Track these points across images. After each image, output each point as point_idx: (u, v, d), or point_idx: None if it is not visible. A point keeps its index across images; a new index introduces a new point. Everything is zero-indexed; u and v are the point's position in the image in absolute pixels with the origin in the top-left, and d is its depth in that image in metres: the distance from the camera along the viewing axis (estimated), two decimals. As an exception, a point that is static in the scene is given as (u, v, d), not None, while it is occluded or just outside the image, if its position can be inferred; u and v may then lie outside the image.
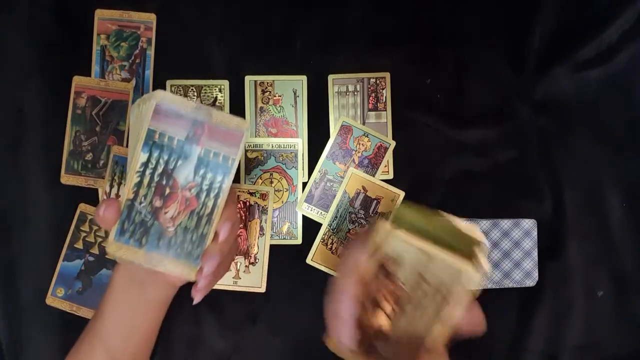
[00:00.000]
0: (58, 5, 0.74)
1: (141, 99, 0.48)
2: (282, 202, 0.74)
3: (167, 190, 0.48)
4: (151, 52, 0.74)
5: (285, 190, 0.74)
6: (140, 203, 0.47)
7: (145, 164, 0.47)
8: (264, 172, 0.74)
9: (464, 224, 0.49)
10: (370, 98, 0.75)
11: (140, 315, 0.59)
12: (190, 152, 0.47)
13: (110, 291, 0.59)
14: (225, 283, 0.73)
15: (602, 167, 0.75)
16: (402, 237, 0.48)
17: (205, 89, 0.74)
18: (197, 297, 0.52)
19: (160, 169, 0.47)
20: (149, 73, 0.74)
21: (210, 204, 0.48)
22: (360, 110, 0.75)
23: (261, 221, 0.74)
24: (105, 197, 0.72)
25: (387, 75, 0.75)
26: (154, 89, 0.74)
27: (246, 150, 0.74)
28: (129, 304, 0.58)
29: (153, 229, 0.48)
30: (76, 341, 0.60)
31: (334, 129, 0.75)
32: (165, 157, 0.47)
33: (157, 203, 0.48)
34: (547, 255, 0.74)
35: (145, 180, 0.47)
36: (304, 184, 0.74)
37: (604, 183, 0.75)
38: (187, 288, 0.72)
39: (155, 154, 0.47)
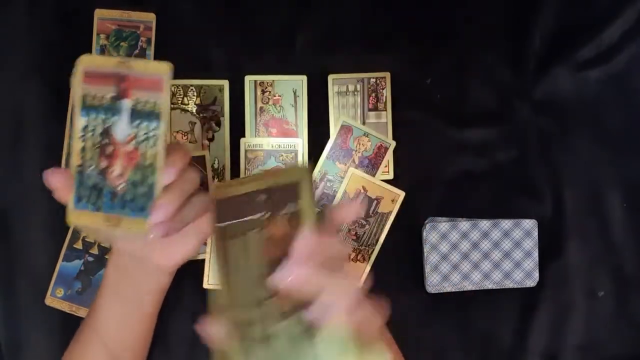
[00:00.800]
0: (58, 5, 0.74)
1: (74, 68, 0.49)
2: (282, 202, 0.74)
3: (109, 149, 0.48)
4: (151, 52, 0.74)
5: (285, 190, 0.74)
6: (89, 167, 0.48)
7: (85, 128, 0.48)
8: (264, 172, 0.74)
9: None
10: (371, 98, 0.75)
11: (134, 307, 0.59)
12: (121, 107, 0.48)
13: (103, 285, 0.59)
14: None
15: (603, 167, 0.75)
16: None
17: (205, 89, 0.74)
18: (153, 236, 0.50)
19: (99, 130, 0.48)
20: (149, 73, 0.74)
21: (150, 152, 0.48)
22: (360, 110, 0.75)
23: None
24: None
25: (387, 75, 0.75)
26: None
27: (246, 150, 0.74)
28: (123, 297, 0.58)
29: (105, 190, 0.49)
30: (73, 337, 0.61)
31: (334, 129, 0.75)
32: (102, 117, 0.48)
33: (103, 164, 0.48)
34: (548, 256, 0.74)
35: (89, 144, 0.48)
36: (304, 184, 0.74)
37: (604, 183, 0.75)
38: (186, 287, 0.72)
39: (92, 116, 0.48)
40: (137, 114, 0.48)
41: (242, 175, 0.74)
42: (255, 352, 0.47)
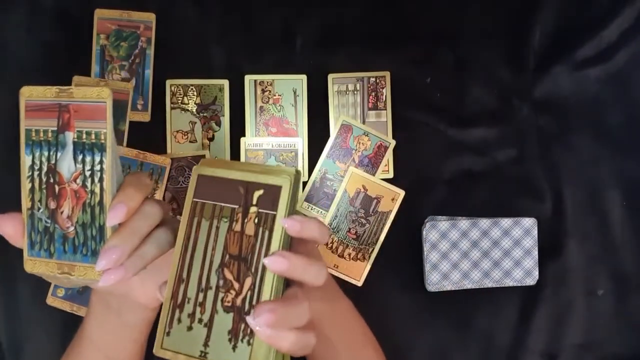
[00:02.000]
0: (58, 5, 0.74)
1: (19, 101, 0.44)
2: (282, 201, 0.74)
3: (57, 188, 0.44)
4: (151, 52, 0.74)
5: (285, 189, 0.74)
6: (39, 209, 0.44)
7: (32, 167, 0.44)
8: (264, 172, 0.74)
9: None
10: (370, 97, 0.75)
11: (120, 339, 0.56)
12: (65, 140, 0.43)
13: (89, 314, 0.55)
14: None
15: (602, 166, 0.75)
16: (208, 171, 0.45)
17: (205, 89, 0.74)
18: (102, 284, 0.43)
19: (45, 168, 0.44)
20: (149, 73, 0.74)
21: (97, 189, 0.44)
22: (360, 110, 0.75)
23: (261, 220, 0.74)
24: None
25: (387, 74, 0.75)
26: (153, 89, 0.74)
27: (246, 150, 0.74)
28: (109, 329, 0.55)
29: (56, 234, 0.44)
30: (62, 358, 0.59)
31: (334, 128, 0.75)
32: (46, 154, 0.44)
33: (52, 204, 0.44)
34: (548, 254, 0.74)
35: (36, 184, 0.44)
36: (304, 184, 0.74)
37: (604, 181, 0.75)
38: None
39: (37, 153, 0.44)
40: (80, 147, 0.43)
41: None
42: (176, 332, 0.44)
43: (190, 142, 0.74)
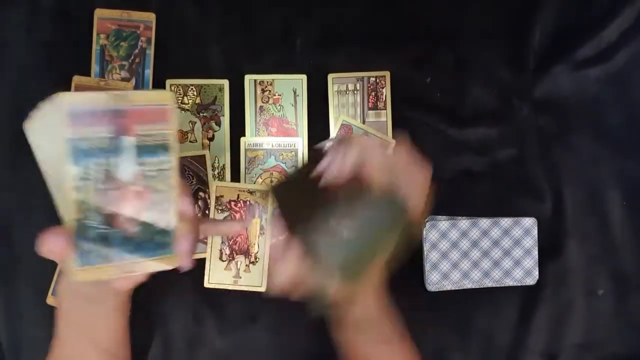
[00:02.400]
0: (58, 5, 0.74)
1: (39, 111, 0.42)
2: (282, 201, 0.74)
3: (114, 193, 0.43)
4: (151, 52, 0.74)
5: (285, 189, 0.74)
6: (91, 218, 0.43)
7: (81, 177, 0.42)
8: (264, 172, 0.74)
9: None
10: (370, 97, 0.75)
11: (95, 328, 0.56)
12: (123, 145, 0.43)
13: (60, 312, 0.55)
14: (226, 282, 0.73)
15: (602, 166, 0.75)
16: None
17: (205, 88, 0.75)
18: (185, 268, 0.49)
19: (99, 175, 0.43)
20: (149, 72, 0.74)
21: (163, 187, 0.45)
22: (360, 109, 0.75)
23: (261, 220, 0.74)
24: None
25: (387, 74, 0.75)
26: (153, 88, 0.74)
27: (246, 150, 0.74)
28: (82, 321, 0.55)
29: (114, 238, 0.44)
30: None
31: (334, 128, 0.75)
32: (99, 160, 0.42)
33: (110, 210, 0.43)
34: (548, 254, 0.74)
35: (88, 193, 0.43)
36: (304, 183, 0.74)
37: (604, 181, 0.75)
38: (186, 287, 0.72)
39: (87, 162, 0.42)
40: (143, 150, 0.43)
41: (242, 175, 0.74)
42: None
43: (190, 142, 0.74)
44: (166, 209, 0.45)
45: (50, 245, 0.44)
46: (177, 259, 0.47)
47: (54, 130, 0.41)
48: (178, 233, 0.47)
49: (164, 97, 0.44)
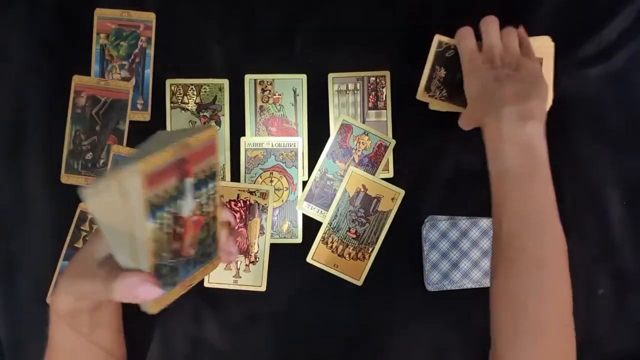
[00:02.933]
0: (58, 5, 0.74)
1: (105, 181, 0.42)
2: (282, 201, 0.74)
3: (179, 229, 0.46)
4: (151, 51, 0.74)
5: (285, 189, 0.74)
6: (164, 259, 0.45)
7: (157, 229, 0.44)
8: (264, 171, 0.74)
9: None
10: (370, 97, 0.75)
11: (95, 331, 0.58)
12: (185, 186, 0.45)
13: (57, 318, 0.59)
14: (226, 282, 0.73)
15: (602, 165, 0.75)
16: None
17: (205, 88, 0.75)
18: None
19: (169, 221, 0.44)
20: (149, 72, 0.74)
21: (211, 208, 0.48)
22: (360, 109, 0.75)
23: (261, 220, 0.74)
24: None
25: (387, 73, 0.75)
26: (153, 88, 0.74)
27: (246, 149, 0.74)
28: (83, 326, 0.58)
29: (180, 265, 0.47)
30: None
31: (334, 128, 0.75)
32: (169, 209, 0.44)
33: (176, 245, 0.46)
34: (548, 254, 0.74)
35: (162, 239, 0.44)
36: (304, 183, 0.75)
37: (603, 181, 0.75)
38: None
39: (161, 214, 0.43)
40: (198, 185, 0.46)
41: (242, 174, 0.74)
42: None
43: (190, 141, 0.74)
44: (213, 225, 0.49)
45: (144, 295, 0.45)
46: (221, 259, 0.52)
47: (127, 195, 0.42)
48: (222, 238, 0.51)
49: (212, 133, 0.46)
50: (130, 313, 0.73)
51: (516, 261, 0.56)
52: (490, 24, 0.68)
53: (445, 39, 0.72)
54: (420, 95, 0.73)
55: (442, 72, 0.72)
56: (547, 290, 0.55)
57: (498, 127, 0.60)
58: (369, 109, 0.75)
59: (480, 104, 0.65)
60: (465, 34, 0.69)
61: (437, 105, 0.73)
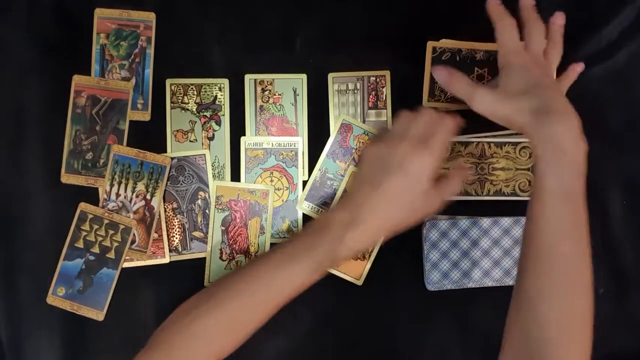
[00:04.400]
0: (58, 5, 0.74)
1: None
2: (283, 200, 0.74)
3: None
4: (151, 51, 0.74)
5: (285, 188, 0.74)
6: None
7: None
8: (264, 171, 0.74)
9: None
10: (371, 96, 0.75)
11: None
12: None
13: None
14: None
15: (602, 165, 0.75)
16: None
17: (205, 88, 0.75)
18: None
19: None
20: (149, 72, 0.74)
21: None
22: (360, 109, 0.75)
23: (261, 220, 0.74)
24: (105, 197, 0.72)
25: (387, 73, 0.75)
26: (153, 88, 0.74)
27: (246, 149, 0.74)
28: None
29: None
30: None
31: (334, 128, 0.75)
32: None
33: None
34: (548, 253, 0.74)
35: None
36: (304, 183, 0.75)
37: (604, 180, 0.75)
38: (187, 287, 0.73)
39: None
40: None
41: (242, 174, 0.74)
42: None
43: (190, 141, 0.74)
44: None
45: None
46: None
47: None
48: None
49: None
50: (130, 312, 0.73)
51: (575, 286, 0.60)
52: (537, 27, 0.65)
53: (438, 43, 0.73)
54: (426, 102, 0.73)
55: None
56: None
57: (571, 136, 0.59)
58: (369, 108, 0.75)
59: (529, 100, 0.60)
60: (507, 23, 0.64)
61: (435, 103, 0.73)
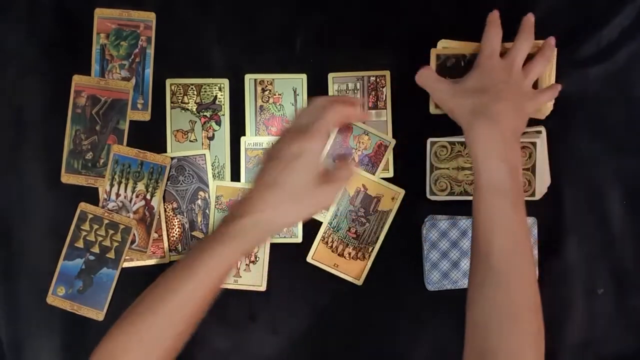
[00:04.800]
0: (58, 5, 0.74)
1: None
2: (283, 200, 0.74)
3: None
4: (151, 51, 0.74)
5: (285, 188, 0.74)
6: None
7: None
8: (264, 171, 0.74)
9: None
10: (371, 96, 0.75)
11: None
12: None
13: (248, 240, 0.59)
14: (226, 282, 0.73)
15: (602, 164, 0.75)
16: None
17: (205, 88, 0.75)
18: None
19: None
20: (149, 72, 0.74)
21: None
22: (360, 109, 0.75)
23: (261, 220, 0.74)
24: (105, 197, 0.72)
25: (387, 73, 0.75)
26: (154, 88, 0.74)
27: (246, 149, 0.74)
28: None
29: None
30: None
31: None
32: None
33: None
34: (547, 253, 0.74)
35: None
36: (304, 183, 0.74)
37: (604, 180, 0.75)
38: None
39: None
40: None
41: (242, 174, 0.74)
42: None
43: (190, 141, 0.74)
44: None
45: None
46: None
47: None
48: None
49: None
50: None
51: (511, 277, 0.59)
52: (527, 40, 0.69)
53: (441, 50, 0.73)
54: (433, 109, 0.73)
55: None
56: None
57: (497, 140, 0.63)
58: (369, 108, 0.75)
59: (472, 100, 0.65)
60: (495, 31, 0.69)
61: (440, 110, 0.73)
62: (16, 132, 0.73)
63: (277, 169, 0.58)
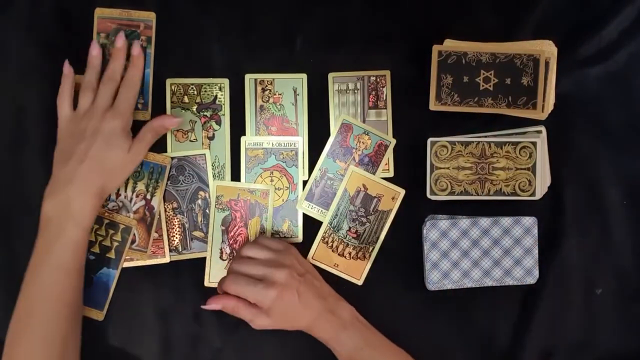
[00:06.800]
0: (58, 5, 0.74)
1: None
2: (283, 200, 0.74)
3: None
4: (151, 51, 0.74)
5: (285, 188, 0.74)
6: None
7: None
8: (264, 171, 0.74)
9: None
10: (371, 96, 0.75)
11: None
12: None
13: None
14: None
15: (603, 165, 0.75)
16: None
17: (205, 88, 0.74)
18: None
19: None
20: (149, 72, 0.74)
21: None
22: (360, 109, 0.75)
23: (262, 220, 0.74)
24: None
25: (388, 73, 0.75)
26: (154, 88, 0.74)
27: (246, 149, 0.74)
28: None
29: None
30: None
31: (334, 127, 0.75)
32: None
33: None
34: (548, 253, 0.74)
35: None
36: (305, 182, 0.75)
37: (604, 180, 0.75)
38: (187, 287, 0.73)
39: None
40: None
41: (242, 174, 0.74)
42: None
43: (190, 141, 0.74)
44: None
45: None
46: None
47: None
48: None
49: None
50: (130, 312, 0.73)
51: None
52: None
53: (443, 47, 0.73)
54: (433, 105, 0.73)
55: (449, 79, 0.72)
56: None
57: (335, 320, 0.67)
58: (369, 108, 0.75)
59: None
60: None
61: (442, 107, 0.73)
62: (16, 132, 0.73)
63: (93, 144, 0.67)
